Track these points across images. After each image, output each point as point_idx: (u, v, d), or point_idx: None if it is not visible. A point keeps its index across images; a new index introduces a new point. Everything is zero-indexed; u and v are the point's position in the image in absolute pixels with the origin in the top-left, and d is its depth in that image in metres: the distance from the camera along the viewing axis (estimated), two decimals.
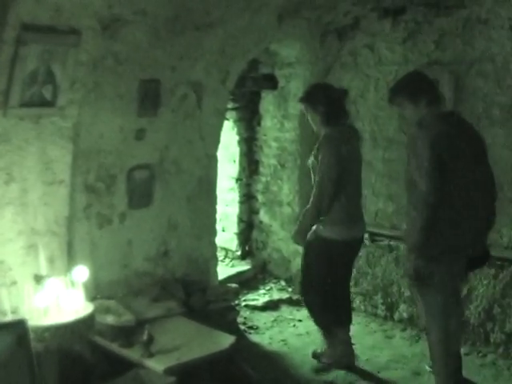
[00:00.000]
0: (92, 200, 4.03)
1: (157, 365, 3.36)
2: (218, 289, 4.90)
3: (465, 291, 4.76)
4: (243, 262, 6.42)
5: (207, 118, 4.80)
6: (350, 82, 5.67)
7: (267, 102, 6.19)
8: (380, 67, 5.45)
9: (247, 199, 6.51)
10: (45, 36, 3.20)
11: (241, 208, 6.47)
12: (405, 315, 5.17)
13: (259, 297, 5.80)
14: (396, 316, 5.26)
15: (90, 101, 3.80)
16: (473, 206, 3.65)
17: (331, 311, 4.38)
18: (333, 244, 4.19)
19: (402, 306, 5.18)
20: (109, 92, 3.92)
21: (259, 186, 6.42)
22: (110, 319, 3.68)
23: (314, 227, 4.25)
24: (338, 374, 4.35)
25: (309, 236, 4.27)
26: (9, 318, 3.18)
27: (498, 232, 4.81)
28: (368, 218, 5.49)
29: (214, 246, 5.18)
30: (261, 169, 6.40)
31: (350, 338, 4.43)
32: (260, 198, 6.43)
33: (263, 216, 6.41)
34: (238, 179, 6.43)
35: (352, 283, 5.39)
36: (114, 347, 3.57)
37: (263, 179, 6.37)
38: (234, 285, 5.35)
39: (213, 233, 5.15)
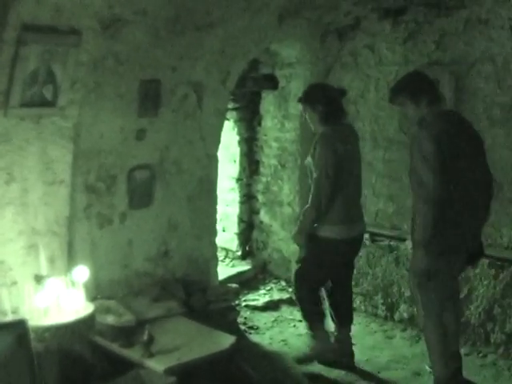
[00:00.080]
0: (92, 200, 4.03)
1: (157, 365, 3.36)
2: (219, 289, 4.89)
3: (465, 291, 4.77)
4: (243, 262, 6.42)
5: (208, 118, 4.80)
6: (351, 82, 5.67)
7: (268, 102, 6.19)
8: (380, 67, 5.45)
9: (247, 199, 6.52)
10: (45, 36, 3.20)
11: (241, 208, 6.47)
12: (405, 315, 5.16)
13: (259, 297, 5.80)
14: (396, 316, 5.26)
15: (91, 101, 3.80)
16: (472, 206, 3.69)
17: (321, 309, 4.46)
18: (332, 243, 4.20)
19: (403, 307, 5.18)
20: (109, 92, 3.92)
21: (260, 186, 6.42)
22: (110, 319, 3.68)
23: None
24: (339, 374, 4.35)
25: (311, 234, 4.26)
26: (9, 317, 3.18)
27: (498, 232, 4.82)
28: (368, 218, 5.50)
29: (214, 246, 5.18)
30: (261, 169, 6.40)
31: (328, 335, 4.48)
32: (260, 198, 6.43)
33: (263, 216, 6.41)
34: (239, 179, 6.43)
35: (352, 283, 5.41)
36: (115, 347, 3.57)
37: (264, 179, 6.38)
38: (234, 285, 5.35)
39: (213, 233, 5.15)
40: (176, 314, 4.11)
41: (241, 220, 6.50)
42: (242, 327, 5.06)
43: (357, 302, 5.46)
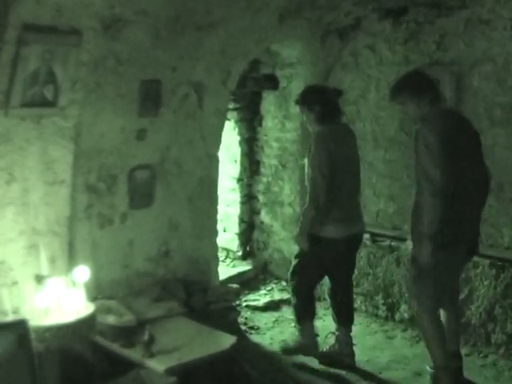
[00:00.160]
0: (93, 200, 4.03)
1: (158, 365, 3.36)
2: (219, 289, 4.89)
3: (466, 292, 4.77)
4: (244, 263, 6.43)
5: (208, 119, 4.80)
6: (351, 82, 5.67)
7: (268, 103, 6.20)
8: (381, 67, 5.46)
9: (248, 199, 6.52)
10: (46, 36, 3.20)
11: (242, 208, 6.48)
12: (406, 316, 5.16)
13: (260, 297, 5.80)
14: (397, 316, 5.26)
15: (91, 101, 3.80)
16: (472, 201, 3.79)
17: (313, 305, 4.53)
18: (331, 242, 4.22)
19: (403, 307, 5.17)
20: (110, 92, 3.92)
21: (260, 187, 6.43)
22: (111, 319, 3.68)
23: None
24: (339, 374, 4.36)
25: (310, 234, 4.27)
26: (10, 318, 3.18)
27: (498, 232, 4.82)
28: (369, 218, 5.51)
29: (215, 247, 5.18)
30: (262, 169, 6.40)
31: (315, 331, 4.56)
32: (261, 198, 6.43)
33: (264, 216, 6.41)
34: (239, 179, 6.43)
35: (353, 283, 5.41)
36: (115, 347, 3.57)
37: (264, 179, 6.38)
38: (235, 285, 5.35)
39: (214, 233, 5.15)
40: (177, 314, 4.11)
41: (241, 220, 6.50)
42: (243, 327, 5.06)
43: (357, 302, 5.46)
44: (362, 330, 5.12)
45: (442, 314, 4.05)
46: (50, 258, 3.62)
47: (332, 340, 4.57)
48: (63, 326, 3.14)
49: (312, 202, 4.18)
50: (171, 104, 4.39)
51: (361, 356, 4.58)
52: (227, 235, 6.48)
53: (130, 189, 4.26)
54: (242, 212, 6.49)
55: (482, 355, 4.60)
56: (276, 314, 5.47)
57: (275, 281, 6.20)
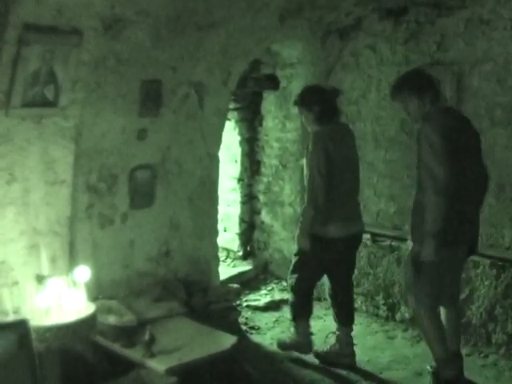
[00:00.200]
0: (94, 200, 4.04)
1: (158, 365, 3.36)
2: (220, 289, 4.89)
3: (466, 292, 4.77)
4: (245, 263, 6.43)
5: (209, 119, 4.80)
6: (352, 82, 5.67)
7: (269, 103, 6.20)
8: (382, 68, 5.45)
9: (249, 199, 6.52)
10: (46, 36, 3.20)
11: (242, 208, 6.48)
12: (406, 316, 5.16)
13: (261, 297, 5.81)
14: (398, 316, 5.26)
15: (92, 101, 3.80)
16: (472, 200, 3.83)
17: (310, 304, 4.58)
18: (329, 242, 4.24)
19: (404, 307, 5.17)
20: (111, 92, 3.92)
21: (261, 187, 6.43)
22: (111, 319, 3.68)
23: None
24: (340, 374, 4.35)
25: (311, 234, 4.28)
26: (10, 318, 3.17)
27: (499, 233, 4.82)
28: (369, 218, 5.51)
29: (215, 247, 5.18)
30: (262, 169, 6.40)
31: (310, 329, 4.62)
32: (261, 198, 6.43)
33: (265, 216, 6.41)
34: (240, 179, 6.44)
35: (354, 283, 5.41)
36: (116, 347, 3.57)
37: (265, 179, 6.38)
38: (235, 285, 5.35)
39: (214, 233, 5.15)
40: (177, 314, 4.11)
41: (242, 220, 6.50)
42: (243, 327, 5.06)
43: (358, 302, 5.46)
44: (363, 330, 5.12)
45: (443, 313, 4.07)
46: (50, 257, 3.62)
47: (332, 340, 4.58)
48: (64, 326, 3.14)
49: (311, 202, 4.20)
50: (172, 104, 4.39)
51: (361, 356, 4.58)
52: (228, 235, 6.48)
53: (130, 189, 4.26)
54: (243, 212, 6.49)
55: (482, 355, 4.60)
56: (276, 314, 5.47)
57: (276, 281, 6.20)
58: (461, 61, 4.91)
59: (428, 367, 4.09)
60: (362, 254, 5.44)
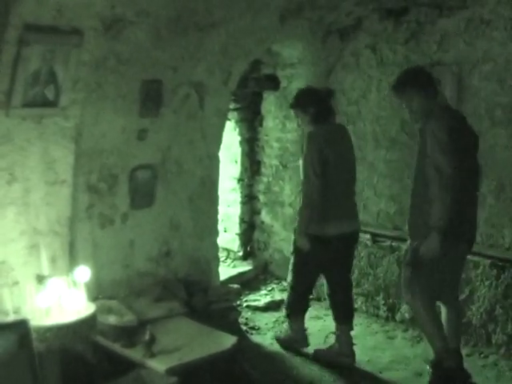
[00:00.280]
0: (94, 200, 4.03)
1: (158, 365, 3.36)
2: (220, 289, 4.89)
3: (467, 292, 4.77)
4: (245, 263, 6.43)
5: (209, 119, 4.80)
6: (352, 82, 5.67)
7: (269, 103, 6.20)
8: (382, 68, 5.45)
9: (249, 200, 6.52)
10: (47, 36, 3.20)
11: (242, 208, 6.48)
12: (406, 316, 5.16)
13: (261, 297, 5.81)
14: (398, 317, 5.26)
15: (92, 101, 3.80)
16: (472, 199, 3.94)
17: (306, 303, 4.67)
18: (326, 241, 4.29)
19: (404, 307, 5.16)
20: (111, 92, 3.92)
21: (261, 187, 6.43)
22: (111, 319, 3.68)
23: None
24: (340, 374, 4.35)
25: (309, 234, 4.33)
26: (11, 318, 3.17)
27: (499, 233, 4.82)
28: (370, 218, 5.52)
29: (215, 247, 5.18)
30: (262, 169, 6.41)
31: (304, 326, 4.69)
32: (262, 198, 6.44)
33: (265, 216, 6.41)
34: (240, 180, 6.43)
35: (354, 284, 5.40)
36: (116, 347, 3.57)
37: (265, 180, 6.38)
38: (235, 285, 5.35)
39: (214, 233, 5.15)
40: (177, 314, 4.11)
41: (242, 220, 6.50)
42: (244, 327, 5.06)
43: (358, 302, 5.46)
44: (363, 331, 5.11)
45: (443, 312, 4.10)
46: (50, 258, 3.62)
47: (332, 340, 4.58)
48: (64, 326, 3.14)
49: (306, 202, 4.27)
50: (172, 104, 4.39)
51: (361, 356, 4.58)
52: (228, 235, 6.48)
53: (130, 189, 4.26)
54: (243, 212, 6.49)
55: (482, 356, 4.60)
56: (277, 314, 5.46)
57: (276, 281, 6.21)
58: (461, 61, 4.91)
59: (428, 367, 4.11)
60: (362, 254, 5.45)
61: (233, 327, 4.51)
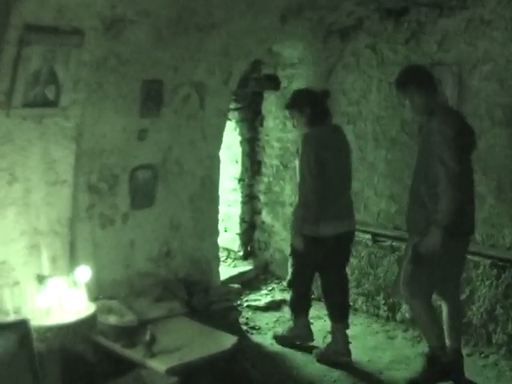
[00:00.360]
0: (95, 200, 4.03)
1: (159, 365, 3.36)
2: (221, 289, 4.90)
3: (467, 292, 4.77)
4: (245, 263, 6.43)
5: (210, 119, 4.80)
6: (353, 82, 5.67)
7: (269, 103, 6.20)
8: (382, 68, 5.45)
9: (249, 200, 6.52)
10: (48, 36, 3.20)
11: (243, 208, 6.48)
12: (407, 316, 5.16)
13: (261, 297, 5.81)
14: (398, 317, 5.26)
15: (93, 101, 3.80)
16: (472, 196, 3.99)
17: (308, 299, 4.73)
18: (322, 241, 4.32)
19: (404, 307, 5.16)
20: (111, 92, 3.92)
21: (261, 187, 6.43)
22: (112, 319, 3.68)
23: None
24: (341, 374, 4.36)
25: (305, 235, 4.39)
26: (11, 317, 3.18)
27: (500, 233, 4.82)
28: (370, 218, 5.52)
29: (216, 247, 5.18)
30: (263, 169, 6.41)
31: (309, 323, 4.78)
32: (262, 198, 6.44)
33: (265, 216, 6.41)
34: (241, 180, 6.44)
35: (354, 284, 5.43)
36: (117, 347, 3.57)
37: (265, 180, 6.38)
38: (236, 285, 5.36)
39: (215, 233, 5.15)
40: (178, 314, 4.11)
41: (243, 220, 6.50)
42: (244, 327, 5.06)
43: (358, 302, 5.47)
44: (363, 331, 5.12)
45: (444, 309, 4.13)
46: (51, 258, 3.62)
47: (329, 339, 4.59)
48: (64, 326, 3.14)
49: (302, 202, 4.31)
50: (173, 104, 4.39)
51: (362, 356, 4.59)
52: (228, 235, 6.48)
53: (131, 189, 4.26)
54: (243, 212, 6.49)
55: (483, 355, 4.60)
56: (277, 314, 5.47)
57: (276, 281, 6.21)
58: (462, 61, 4.91)
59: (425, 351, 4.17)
60: (362, 254, 5.46)
61: (233, 327, 4.51)
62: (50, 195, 3.64)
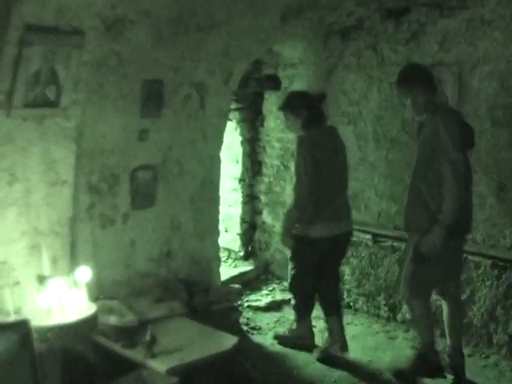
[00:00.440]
0: (95, 200, 4.04)
1: (159, 365, 3.36)
2: (221, 289, 4.90)
3: (468, 292, 4.77)
4: (246, 263, 6.43)
5: (210, 119, 4.80)
6: (353, 82, 5.67)
7: (270, 103, 6.20)
8: (383, 68, 5.45)
9: (250, 200, 6.52)
10: (48, 37, 3.20)
11: (244, 209, 6.48)
12: (407, 316, 5.14)
13: (262, 297, 5.81)
14: (399, 317, 5.26)
15: (94, 101, 3.80)
16: (469, 191, 4.02)
17: (312, 300, 4.67)
18: (318, 242, 4.34)
19: (405, 308, 5.15)
20: (112, 92, 3.92)
21: (262, 187, 6.43)
22: (112, 319, 3.68)
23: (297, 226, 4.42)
24: (341, 374, 4.35)
25: (295, 234, 4.44)
26: (12, 318, 3.18)
27: (500, 233, 4.81)
28: (371, 218, 5.52)
29: (216, 247, 5.18)
30: (264, 169, 6.41)
31: (311, 325, 4.75)
32: (263, 198, 6.44)
33: (266, 217, 6.41)
34: (241, 180, 6.44)
35: (355, 284, 5.43)
36: (117, 347, 3.57)
37: (266, 180, 6.38)
38: (236, 285, 5.36)
39: (216, 233, 5.16)
40: (178, 314, 4.11)
41: (243, 220, 6.50)
42: (245, 328, 5.06)
43: (359, 302, 5.47)
44: (364, 331, 5.12)
45: (445, 308, 4.15)
46: (51, 258, 3.62)
47: (326, 334, 4.63)
48: (65, 326, 3.14)
49: (296, 203, 4.34)
50: (173, 104, 4.39)
51: (362, 356, 4.59)
52: (229, 235, 6.48)
53: (131, 189, 4.26)
54: (244, 212, 6.49)
55: (483, 356, 4.60)
56: (278, 315, 5.47)
57: (277, 281, 6.21)
58: (462, 61, 4.90)
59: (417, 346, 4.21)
60: (363, 254, 5.46)
61: (234, 327, 4.51)
62: (50, 195, 3.64)
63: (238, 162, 6.40)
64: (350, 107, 5.69)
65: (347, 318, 5.12)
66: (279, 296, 5.83)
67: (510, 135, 4.73)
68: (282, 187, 6.21)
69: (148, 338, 3.45)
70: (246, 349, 4.32)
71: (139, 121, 4.19)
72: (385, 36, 5.39)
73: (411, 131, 5.18)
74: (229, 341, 3.74)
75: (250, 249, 6.53)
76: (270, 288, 6.06)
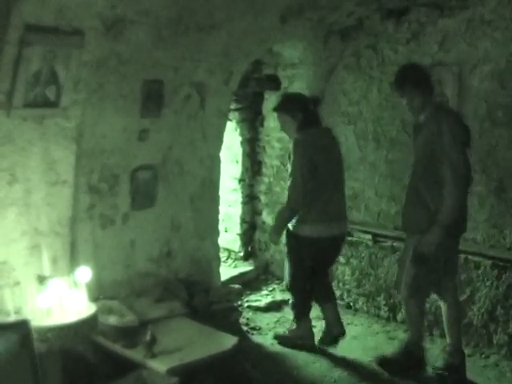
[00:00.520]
0: (95, 200, 4.03)
1: (159, 365, 3.36)
2: (221, 289, 4.90)
3: (468, 292, 4.77)
4: (246, 263, 6.43)
5: (210, 119, 4.80)
6: (354, 82, 5.67)
7: (270, 103, 6.18)
8: (383, 68, 5.45)
9: (250, 200, 6.52)
10: (48, 37, 3.20)
11: (243, 209, 6.48)
12: None
13: (262, 297, 5.80)
14: (399, 317, 5.25)
15: (94, 101, 3.80)
16: (466, 192, 4.02)
17: (310, 300, 4.71)
18: (312, 242, 4.37)
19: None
20: (112, 92, 3.92)
21: (262, 187, 6.43)
22: (112, 320, 3.68)
23: (290, 226, 4.45)
24: (341, 374, 4.35)
25: (289, 233, 4.49)
26: (12, 318, 3.18)
27: (500, 233, 4.82)
28: (371, 218, 5.53)
29: (216, 247, 5.18)
30: (264, 169, 6.40)
31: (311, 324, 4.75)
32: (263, 198, 6.43)
33: (266, 217, 6.41)
34: (241, 180, 6.43)
35: (355, 284, 5.44)
36: (117, 348, 3.57)
37: (266, 180, 6.38)
38: (236, 285, 5.36)
39: (215, 233, 5.15)
40: (178, 314, 4.11)
41: (243, 221, 6.50)
42: (245, 328, 5.06)
43: (359, 302, 5.47)
44: (364, 331, 5.11)
45: (443, 308, 4.17)
46: (52, 258, 3.62)
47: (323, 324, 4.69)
48: (65, 327, 3.14)
49: (289, 204, 4.37)
50: (173, 104, 4.39)
51: (363, 356, 4.59)
52: (229, 236, 6.48)
53: (131, 189, 4.26)
54: (244, 212, 6.49)
55: (483, 356, 4.60)
56: (278, 315, 5.47)
57: (277, 281, 6.20)
58: (462, 61, 4.91)
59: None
60: (363, 254, 5.46)
61: (234, 327, 4.51)
62: (50, 195, 3.64)
63: (237, 162, 6.40)
64: (350, 107, 5.70)
65: (347, 318, 5.13)
66: (279, 296, 5.83)
67: (510, 135, 4.74)
68: (282, 187, 6.20)
69: (148, 338, 3.45)
70: (246, 349, 4.33)
71: (139, 121, 4.19)
72: (385, 36, 5.39)
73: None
74: (229, 341, 3.74)
75: (249, 249, 6.53)
76: (270, 288, 6.06)
